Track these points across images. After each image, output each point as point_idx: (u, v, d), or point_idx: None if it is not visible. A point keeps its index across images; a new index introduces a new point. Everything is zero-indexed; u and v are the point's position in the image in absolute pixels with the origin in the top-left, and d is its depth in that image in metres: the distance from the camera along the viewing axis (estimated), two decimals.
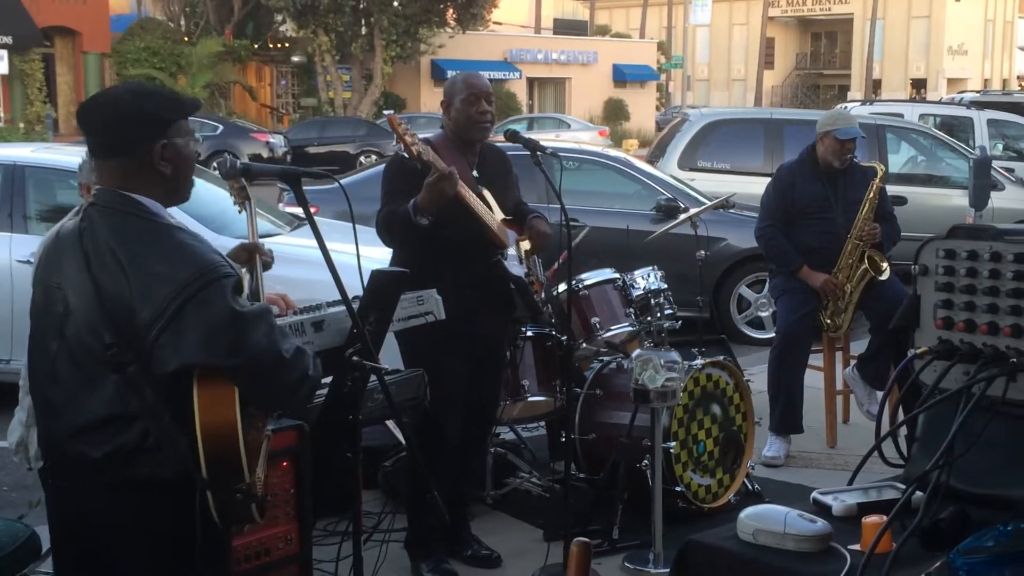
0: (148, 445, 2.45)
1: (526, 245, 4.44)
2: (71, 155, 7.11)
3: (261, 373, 2.45)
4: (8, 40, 29.34)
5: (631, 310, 5.28)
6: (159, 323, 2.39)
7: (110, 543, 2.57)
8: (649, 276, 5.39)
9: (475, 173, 4.33)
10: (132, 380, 2.43)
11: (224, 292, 2.43)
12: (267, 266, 3.04)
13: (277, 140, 27.91)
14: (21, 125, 28.82)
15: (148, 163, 2.56)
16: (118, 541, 2.55)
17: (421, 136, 4.13)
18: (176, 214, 2.73)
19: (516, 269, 4.34)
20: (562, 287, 5.05)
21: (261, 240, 3.14)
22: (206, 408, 2.38)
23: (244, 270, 2.85)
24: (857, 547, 2.79)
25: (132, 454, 2.46)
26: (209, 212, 6.57)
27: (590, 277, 5.29)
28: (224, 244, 2.97)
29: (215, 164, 20.03)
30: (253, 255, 2.97)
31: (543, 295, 4.55)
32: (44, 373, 2.58)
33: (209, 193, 7.00)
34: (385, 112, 4.49)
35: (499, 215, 4.33)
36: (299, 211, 5.89)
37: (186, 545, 2.50)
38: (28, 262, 6.17)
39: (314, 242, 2.97)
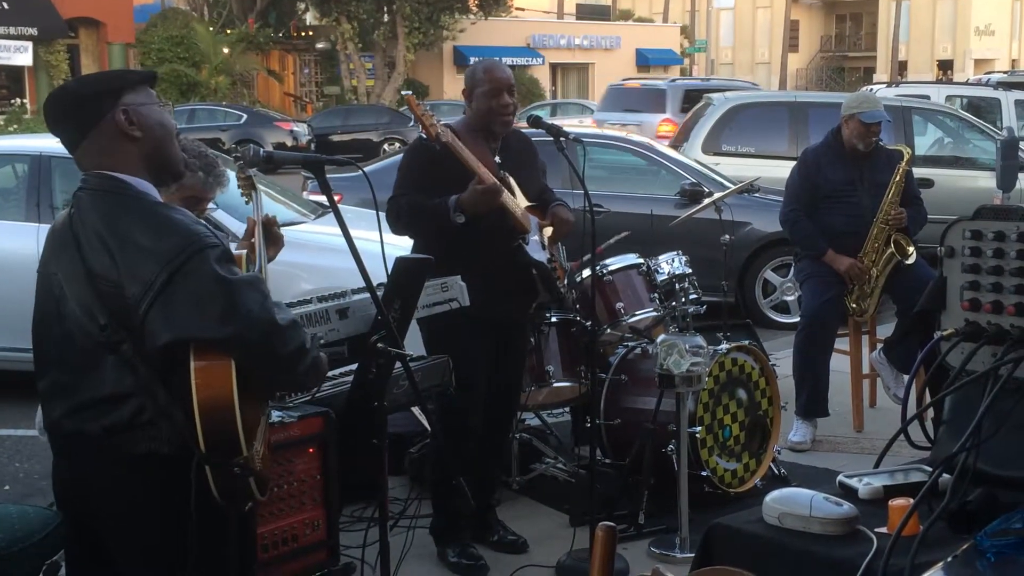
0: (143, 420, 2.46)
1: (549, 232, 4.43)
2: None
3: (255, 342, 2.43)
4: (33, 31, 29.52)
5: (656, 295, 5.28)
6: (147, 297, 2.39)
7: (112, 522, 2.59)
8: (674, 261, 5.39)
9: (497, 159, 4.31)
10: (126, 358, 2.44)
11: (209, 261, 2.42)
12: (274, 253, 2.97)
13: (301, 128, 27.95)
14: None
15: (116, 134, 2.54)
16: (119, 519, 2.57)
17: (443, 121, 4.12)
18: None
19: (538, 254, 4.33)
20: (586, 272, 5.05)
21: (282, 229, 3.13)
22: (203, 382, 2.38)
23: (244, 253, 2.85)
24: (884, 530, 2.78)
25: (127, 429, 2.47)
26: (235, 201, 6.58)
27: (614, 262, 5.28)
28: None
29: (239, 152, 20.04)
30: (252, 246, 2.92)
31: (566, 281, 4.55)
32: (49, 357, 2.60)
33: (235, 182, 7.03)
34: (403, 92, 4.44)
35: (522, 201, 4.32)
36: (323, 199, 5.91)
37: (187, 522, 2.50)
38: None
39: (338, 230, 2.97)
